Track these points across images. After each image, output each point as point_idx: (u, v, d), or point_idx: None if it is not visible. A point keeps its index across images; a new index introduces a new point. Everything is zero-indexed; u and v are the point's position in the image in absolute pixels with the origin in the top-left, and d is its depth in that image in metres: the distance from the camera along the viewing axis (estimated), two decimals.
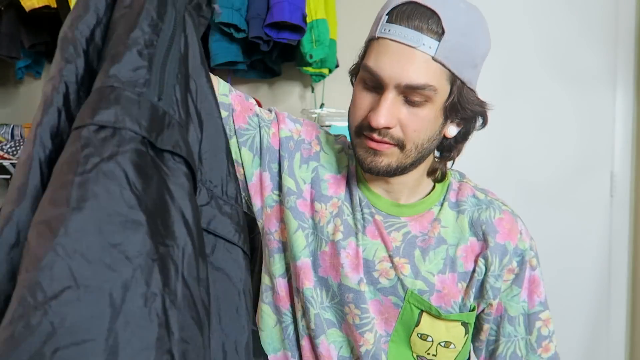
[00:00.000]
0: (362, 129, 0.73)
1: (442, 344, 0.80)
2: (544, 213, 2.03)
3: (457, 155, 0.82)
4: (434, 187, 0.84)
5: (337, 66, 1.80)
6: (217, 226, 0.53)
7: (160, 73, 0.47)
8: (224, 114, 0.81)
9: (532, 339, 0.81)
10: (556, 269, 2.03)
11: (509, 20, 2.00)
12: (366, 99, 0.72)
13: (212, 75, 0.82)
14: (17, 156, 1.49)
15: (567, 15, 2.01)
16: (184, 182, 0.45)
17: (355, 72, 0.78)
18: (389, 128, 0.71)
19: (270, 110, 0.88)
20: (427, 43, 0.67)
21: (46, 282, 0.35)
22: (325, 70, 1.73)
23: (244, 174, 0.84)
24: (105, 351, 0.35)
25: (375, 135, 0.72)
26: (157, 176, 0.43)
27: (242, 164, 0.83)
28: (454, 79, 0.70)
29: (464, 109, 0.73)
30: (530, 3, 2.02)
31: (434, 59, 0.68)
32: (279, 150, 0.84)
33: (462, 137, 0.79)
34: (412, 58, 0.68)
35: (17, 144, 1.51)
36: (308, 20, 1.56)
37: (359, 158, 0.76)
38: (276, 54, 1.68)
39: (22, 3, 1.46)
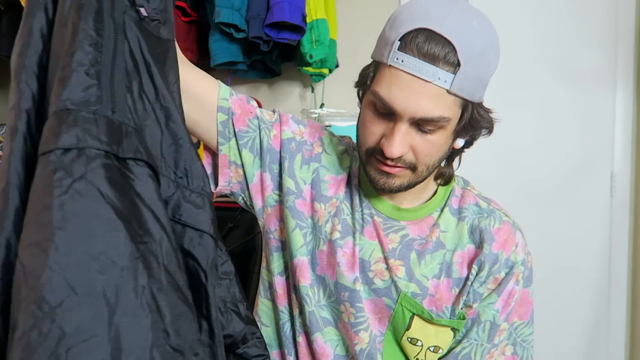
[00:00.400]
0: (375, 153, 0.73)
1: (432, 348, 0.80)
2: (544, 213, 2.03)
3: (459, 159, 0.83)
4: (436, 191, 0.84)
5: (337, 66, 1.80)
6: (183, 214, 0.59)
7: (110, 86, 0.51)
8: (222, 117, 0.82)
9: (488, 347, 0.80)
10: (556, 269, 2.03)
11: (509, 21, 2.00)
12: (378, 125, 0.72)
13: (211, 79, 0.83)
14: None
15: (567, 15, 2.01)
16: (150, 183, 0.51)
17: (362, 88, 0.77)
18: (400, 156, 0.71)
19: (273, 112, 0.88)
20: (443, 77, 0.65)
21: (49, 294, 0.41)
22: (325, 70, 1.73)
23: (245, 175, 0.85)
24: (109, 341, 0.42)
25: (389, 162, 0.72)
26: (125, 183, 0.48)
27: (243, 165, 0.84)
28: (466, 104, 0.70)
29: (474, 128, 0.74)
30: (530, 3, 2.02)
31: (448, 92, 0.66)
32: (280, 151, 0.85)
33: (467, 144, 0.80)
34: (426, 92, 0.66)
35: None
36: (308, 20, 1.56)
37: (370, 178, 0.76)
38: (276, 54, 1.68)
39: (22, 3, 1.46)
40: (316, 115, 1.80)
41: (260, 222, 0.89)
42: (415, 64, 0.65)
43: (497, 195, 0.88)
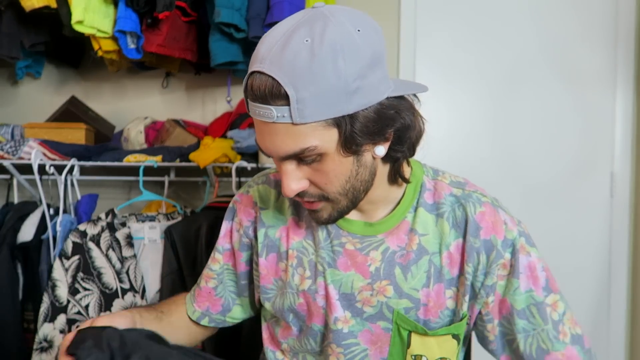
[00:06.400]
0: None
1: None
2: (544, 213, 2.03)
3: (412, 153, 0.75)
4: (404, 192, 0.79)
5: None
6: None
7: None
8: (205, 320, 0.93)
9: (549, 328, 0.76)
10: (556, 268, 2.03)
11: (509, 20, 2.00)
12: (276, 163, 0.71)
13: (177, 312, 0.94)
14: (17, 156, 1.49)
15: (567, 15, 2.01)
16: None
17: None
18: (304, 191, 0.70)
19: (215, 253, 0.93)
20: (280, 113, 0.62)
21: None
22: None
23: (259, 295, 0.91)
24: None
25: (299, 199, 0.72)
26: None
27: (242, 304, 0.95)
28: (334, 121, 0.63)
29: (367, 134, 0.65)
30: (530, 3, 2.02)
31: (294, 124, 0.62)
32: (246, 256, 0.90)
33: (398, 142, 0.70)
34: (275, 132, 0.64)
35: (17, 144, 1.50)
36: None
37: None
38: None
39: (22, 3, 1.46)
40: None
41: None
42: (255, 108, 0.64)
43: (496, 195, 0.87)
